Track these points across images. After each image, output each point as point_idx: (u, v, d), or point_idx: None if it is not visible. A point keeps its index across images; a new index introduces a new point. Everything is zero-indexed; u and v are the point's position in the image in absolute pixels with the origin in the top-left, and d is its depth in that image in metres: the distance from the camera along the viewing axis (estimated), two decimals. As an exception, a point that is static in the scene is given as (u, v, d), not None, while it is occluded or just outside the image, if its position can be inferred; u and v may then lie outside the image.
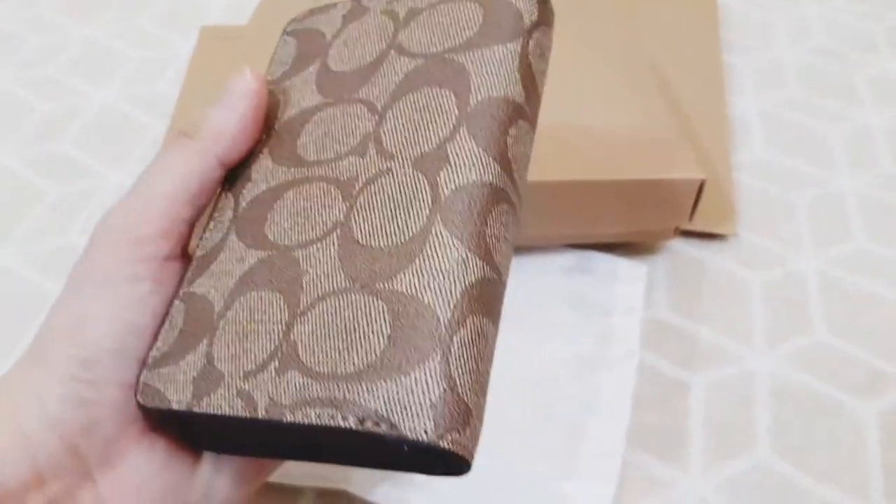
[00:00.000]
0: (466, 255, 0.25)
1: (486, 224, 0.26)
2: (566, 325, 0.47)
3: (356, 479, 0.40)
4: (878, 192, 0.55)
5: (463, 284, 0.25)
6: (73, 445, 0.24)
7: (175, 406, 0.25)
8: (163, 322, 0.27)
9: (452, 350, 0.24)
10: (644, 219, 0.47)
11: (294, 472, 0.39)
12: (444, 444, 0.22)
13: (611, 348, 0.45)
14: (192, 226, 0.28)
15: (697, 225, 0.50)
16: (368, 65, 0.31)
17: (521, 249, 0.50)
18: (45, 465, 0.24)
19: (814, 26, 0.70)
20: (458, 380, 0.23)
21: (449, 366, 0.23)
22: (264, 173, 0.30)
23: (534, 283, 0.49)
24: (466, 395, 0.23)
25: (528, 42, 0.30)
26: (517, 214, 0.28)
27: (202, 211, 0.28)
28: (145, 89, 0.63)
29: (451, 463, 0.23)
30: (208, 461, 0.28)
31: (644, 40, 0.64)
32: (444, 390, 0.23)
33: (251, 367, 0.25)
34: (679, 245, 0.51)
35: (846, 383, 0.44)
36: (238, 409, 0.24)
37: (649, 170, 0.45)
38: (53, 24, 0.70)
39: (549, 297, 0.48)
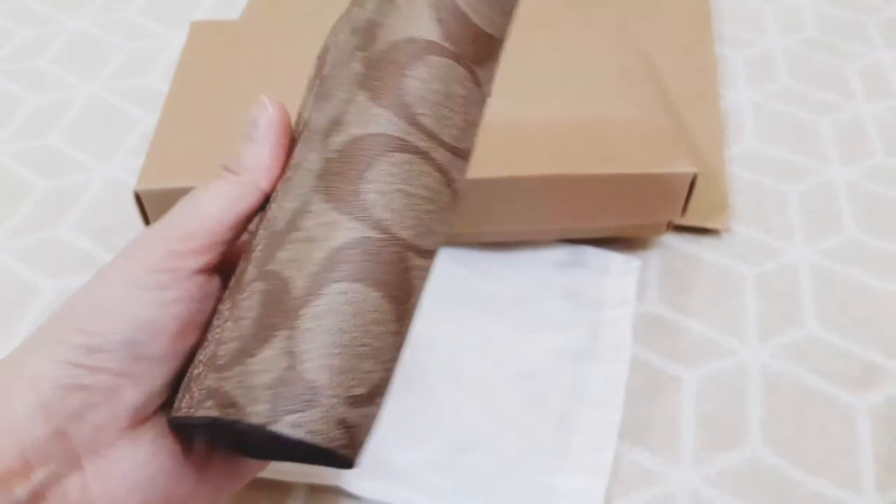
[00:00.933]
0: (335, 217, 0.24)
1: (365, 179, 0.24)
2: (559, 319, 0.47)
3: (347, 474, 0.39)
4: (870, 183, 0.55)
5: (325, 250, 0.23)
6: (62, 430, 0.25)
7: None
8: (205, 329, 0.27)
9: (298, 324, 0.22)
10: (637, 213, 0.47)
11: (285, 469, 0.39)
12: (279, 427, 0.21)
13: (603, 342, 0.45)
14: (228, 247, 0.29)
15: (690, 219, 0.50)
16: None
17: (514, 244, 0.50)
18: (32, 451, 0.24)
19: (806, 18, 0.70)
20: (300, 356, 0.22)
21: (293, 341, 0.22)
22: None
23: (527, 277, 0.49)
24: (312, 371, 0.22)
25: None
26: (431, 158, 0.25)
27: (239, 236, 0.29)
28: (134, 82, 0.63)
29: (317, 449, 0.22)
30: (198, 456, 0.28)
31: (637, 33, 0.64)
32: (284, 368, 0.22)
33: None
34: (671, 239, 0.51)
35: (838, 376, 0.44)
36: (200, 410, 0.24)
37: (642, 164, 0.45)
38: (41, 17, 0.70)
39: (542, 291, 0.48)
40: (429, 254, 0.25)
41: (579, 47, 0.53)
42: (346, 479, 0.39)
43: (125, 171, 0.56)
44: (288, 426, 0.22)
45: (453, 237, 0.49)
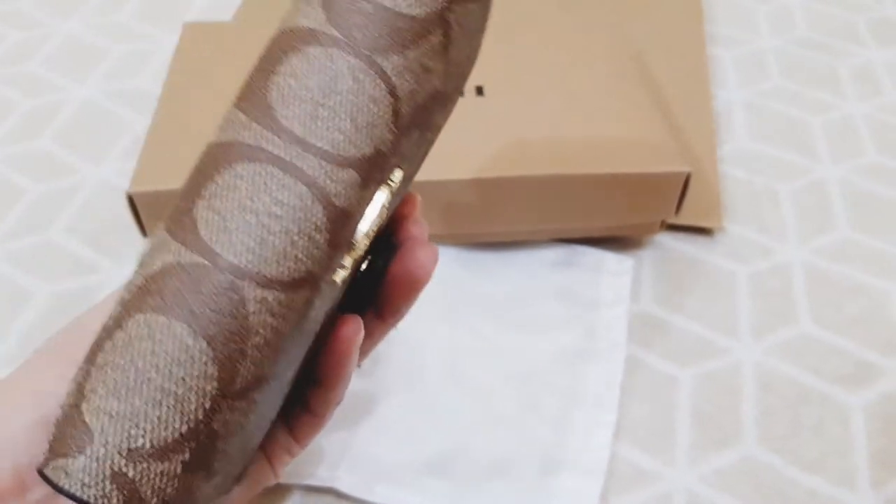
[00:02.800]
0: (164, 239, 0.21)
1: (200, 195, 0.21)
2: (554, 319, 0.47)
3: (343, 476, 0.39)
4: (862, 181, 0.55)
5: (142, 277, 0.20)
6: None
7: None
8: None
9: (96, 358, 0.20)
10: (631, 212, 0.47)
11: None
12: (47, 471, 0.19)
13: (598, 341, 0.45)
14: None
15: (684, 219, 0.50)
16: None
17: (509, 243, 0.50)
18: (28, 470, 0.24)
19: (797, 18, 0.70)
20: (87, 395, 0.19)
21: (86, 376, 0.20)
22: None
23: (522, 276, 0.49)
24: (89, 413, 0.19)
25: None
26: (295, 168, 0.21)
27: None
28: (127, 84, 0.63)
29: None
30: None
31: (630, 33, 0.64)
32: (70, 406, 0.20)
33: None
34: (665, 239, 0.51)
35: (832, 374, 0.45)
36: None
37: (635, 163, 0.45)
38: (33, 20, 0.69)
39: (537, 291, 0.48)
40: (282, 284, 0.20)
41: (573, 48, 0.53)
42: (342, 481, 0.39)
43: (118, 174, 0.55)
44: (52, 470, 0.19)
45: (449, 237, 0.49)
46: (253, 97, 0.22)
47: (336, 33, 0.22)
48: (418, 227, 0.30)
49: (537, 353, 0.45)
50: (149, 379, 0.19)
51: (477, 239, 0.49)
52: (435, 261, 0.29)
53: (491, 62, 0.52)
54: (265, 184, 0.20)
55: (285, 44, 0.22)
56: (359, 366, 0.33)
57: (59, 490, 0.19)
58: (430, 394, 0.43)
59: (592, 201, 0.46)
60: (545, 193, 0.46)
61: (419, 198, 0.31)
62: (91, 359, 0.20)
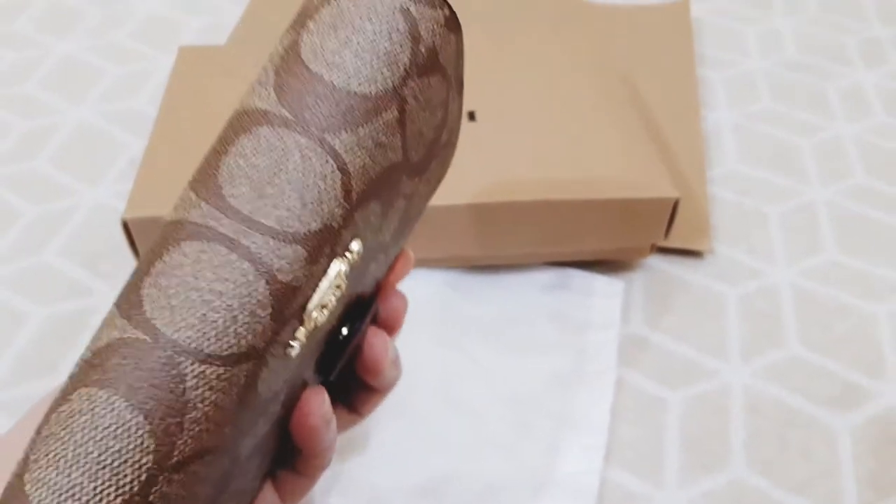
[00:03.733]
0: (113, 315, 0.21)
1: (148, 273, 0.21)
2: (545, 341, 0.47)
3: (335, 502, 0.40)
4: (850, 203, 0.56)
5: (90, 351, 0.21)
6: None
7: None
8: None
9: (42, 429, 0.20)
10: (620, 237, 0.47)
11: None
12: None
13: (588, 364, 0.46)
14: None
15: (673, 242, 0.51)
16: None
17: (501, 267, 0.51)
18: None
19: (786, 39, 0.71)
20: (30, 466, 0.20)
21: (32, 447, 0.20)
22: None
23: (513, 299, 0.49)
24: (29, 483, 0.20)
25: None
26: (240, 246, 0.22)
27: None
28: (123, 106, 0.63)
29: None
30: None
31: (619, 55, 0.65)
32: (15, 475, 0.20)
33: None
34: (655, 261, 0.52)
35: (819, 396, 0.45)
36: None
37: (625, 189, 0.46)
38: (29, 41, 0.70)
39: (528, 314, 0.48)
40: (222, 360, 0.21)
41: (563, 72, 0.54)
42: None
43: (113, 196, 0.56)
44: None
45: (440, 261, 0.49)
46: (205, 177, 0.22)
47: (286, 114, 0.22)
48: (394, 300, 0.32)
49: (528, 376, 0.45)
50: (86, 451, 0.19)
51: (468, 263, 0.50)
52: (385, 348, 0.30)
53: (482, 87, 0.52)
54: (209, 261, 0.21)
55: (238, 125, 0.23)
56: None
57: None
58: (421, 417, 0.43)
59: (582, 226, 0.47)
60: (536, 218, 0.46)
61: (411, 260, 0.32)
62: (39, 430, 0.20)
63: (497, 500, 0.40)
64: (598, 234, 0.47)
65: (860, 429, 0.44)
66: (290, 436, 0.29)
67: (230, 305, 0.21)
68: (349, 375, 0.32)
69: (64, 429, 0.20)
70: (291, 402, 0.27)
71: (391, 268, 0.32)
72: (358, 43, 0.23)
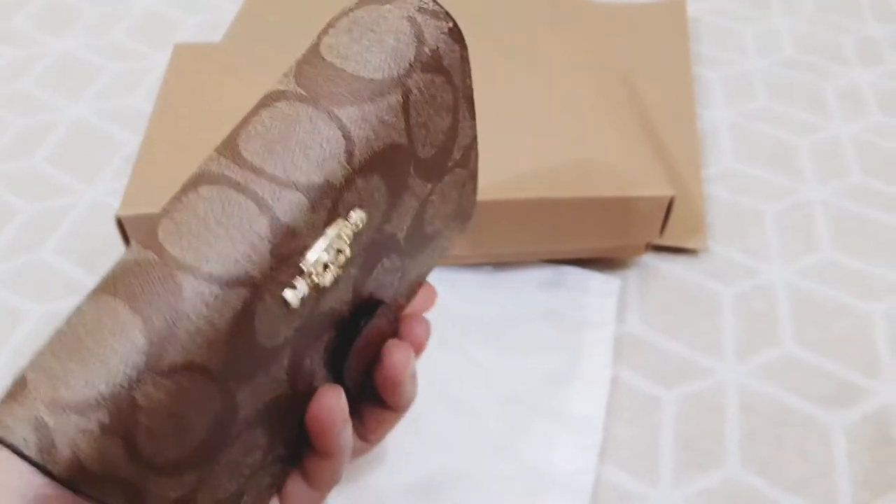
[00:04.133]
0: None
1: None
2: (542, 340, 0.47)
3: (332, 502, 0.40)
4: (847, 203, 0.56)
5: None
6: None
7: None
8: None
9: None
10: (616, 234, 0.47)
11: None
12: None
13: (584, 363, 0.46)
14: None
15: (668, 240, 0.51)
16: None
17: (497, 265, 0.51)
18: None
19: (783, 38, 0.71)
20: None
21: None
22: None
23: (510, 298, 0.49)
24: (27, 368, 0.21)
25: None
26: (249, 190, 0.24)
27: None
28: (119, 103, 0.63)
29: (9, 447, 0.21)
30: None
31: (615, 53, 0.65)
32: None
33: None
34: (650, 259, 0.52)
35: (815, 395, 0.45)
36: None
37: (620, 187, 0.46)
38: (26, 38, 0.70)
39: (524, 312, 0.48)
40: (219, 281, 0.22)
41: (560, 71, 0.54)
42: None
43: (110, 194, 0.56)
44: None
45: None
46: (227, 140, 0.25)
47: (301, 92, 0.26)
48: (416, 325, 0.33)
49: (525, 375, 0.45)
50: (85, 345, 0.21)
51: (464, 261, 0.50)
52: (407, 360, 0.32)
53: (478, 85, 0.52)
54: (220, 200, 0.23)
55: (260, 103, 0.26)
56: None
57: None
58: (418, 417, 0.43)
59: (578, 223, 0.47)
60: (532, 216, 0.46)
61: (434, 293, 0.34)
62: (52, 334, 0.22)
63: (494, 499, 0.40)
64: (593, 231, 0.47)
65: (855, 428, 0.44)
66: (302, 439, 0.30)
67: (232, 235, 0.23)
68: (363, 396, 0.33)
69: (70, 327, 0.22)
70: (300, 386, 0.28)
71: (413, 293, 0.35)
72: (368, 40, 0.27)
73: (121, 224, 0.44)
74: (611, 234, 0.47)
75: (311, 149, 0.25)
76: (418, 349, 0.33)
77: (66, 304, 0.49)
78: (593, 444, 0.42)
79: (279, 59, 0.52)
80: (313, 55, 0.27)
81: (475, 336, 0.47)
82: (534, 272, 0.50)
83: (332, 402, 0.29)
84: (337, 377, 0.30)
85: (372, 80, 0.26)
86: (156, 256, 0.22)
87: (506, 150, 0.48)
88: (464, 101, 0.30)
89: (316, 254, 0.25)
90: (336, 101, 0.26)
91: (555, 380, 0.45)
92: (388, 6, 0.28)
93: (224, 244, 0.23)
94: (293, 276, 0.24)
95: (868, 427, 0.44)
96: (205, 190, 0.24)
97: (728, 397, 0.45)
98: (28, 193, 0.56)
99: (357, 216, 0.26)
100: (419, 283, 0.35)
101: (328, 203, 0.25)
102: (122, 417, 0.21)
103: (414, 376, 0.33)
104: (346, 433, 0.30)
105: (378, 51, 0.27)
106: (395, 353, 0.31)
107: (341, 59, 0.27)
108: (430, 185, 0.30)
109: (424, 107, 0.28)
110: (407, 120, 0.27)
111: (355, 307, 0.29)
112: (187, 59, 0.55)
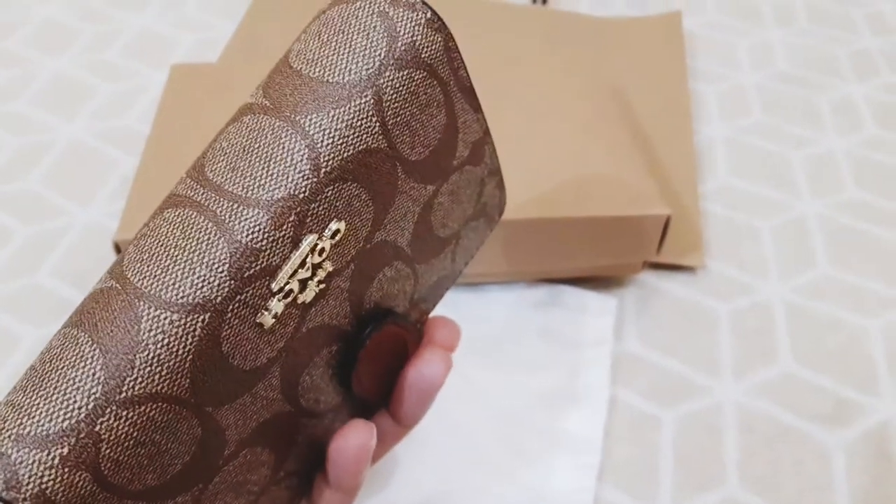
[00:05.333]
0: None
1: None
2: (538, 360, 0.47)
3: None
4: (842, 217, 0.56)
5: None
6: None
7: None
8: None
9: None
10: (612, 253, 0.48)
11: None
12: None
13: (582, 382, 0.46)
14: None
15: (665, 257, 0.51)
16: None
17: (493, 284, 0.51)
18: None
19: (777, 52, 0.71)
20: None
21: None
22: None
23: (505, 317, 0.49)
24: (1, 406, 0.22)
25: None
26: (207, 211, 0.24)
27: None
28: (115, 123, 0.63)
29: None
30: None
31: (610, 69, 0.65)
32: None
33: None
34: (647, 277, 0.52)
35: (812, 412, 0.45)
36: None
37: (616, 206, 0.46)
38: (20, 58, 0.70)
39: (521, 331, 0.48)
40: (177, 307, 0.23)
41: (554, 87, 0.54)
42: None
43: (106, 216, 0.56)
44: None
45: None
46: (196, 161, 0.25)
47: (266, 103, 0.25)
48: (442, 328, 0.32)
49: (521, 395, 0.45)
50: (50, 379, 0.22)
51: (460, 281, 0.50)
52: (446, 368, 0.31)
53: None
54: (181, 224, 0.23)
55: (231, 119, 0.25)
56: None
57: None
58: (413, 437, 0.43)
59: (574, 243, 0.47)
60: (528, 236, 0.46)
61: (455, 331, 0.33)
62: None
63: (490, 520, 0.40)
64: (589, 251, 0.47)
65: (853, 445, 0.44)
66: (313, 460, 0.30)
67: (191, 259, 0.23)
68: (371, 411, 0.33)
69: (39, 359, 0.22)
70: (304, 404, 0.27)
71: (439, 297, 0.33)
72: (336, 42, 0.26)
73: (118, 249, 0.44)
74: (607, 253, 0.47)
75: (273, 162, 0.24)
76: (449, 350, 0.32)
77: (62, 328, 0.49)
78: (592, 464, 0.42)
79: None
80: (282, 63, 0.26)
81: (472, 356, 0.47)
82: (530, 291, 0.50)
83: (362, 442, 0.28)
84: (346, 390, 0.30)
85: (338, 83, 0.25)
86: (118, 285, 0.23)
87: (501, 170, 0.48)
88: (459, 93, 0.29)
89: (289, 272, 0.24)
90: (300, 110, 0.25)
91: (552, 400, 0.45)
92: (358, 3, 0.26)
93: (183, 269, 0.23)
94: (265, 297, 0.24)
95: (866, 444, 0.44)
96: (169, 213, 0.24)
97: (726, 416, 0.45)
98: (24, 215, 0.56)
99: (335, 227, 0.25)
100: (445, 287, 0.34)
101: (293, 218, 0.24)
102: (84, 449, 0.21)
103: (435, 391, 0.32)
104: (367, 471, 0.29)
105: (346, 52, 0.26)
106: (433, 360, 0.30)
107: (308, 64, 0.26)
108: (431, 187, 0.29)
109: (404, 105, 0.27)
110: (382, 121, 0.26)
111: (359, 319, 0.28)
112: (184, 79, 0.55)
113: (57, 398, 0.21)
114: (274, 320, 0.24)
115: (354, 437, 0.28)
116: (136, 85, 0.67)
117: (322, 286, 0.25)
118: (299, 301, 0.25)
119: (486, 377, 0.46)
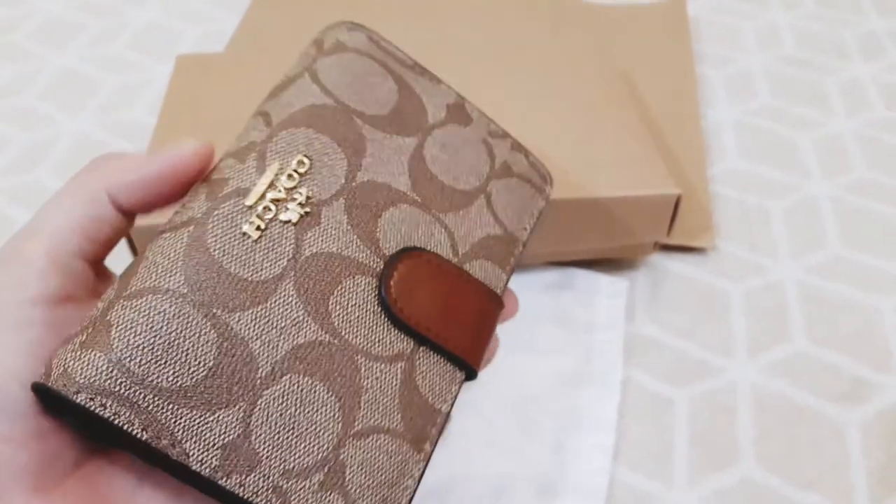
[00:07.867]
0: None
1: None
2: (551, 343, 0.47)
3: None
4: (852, 197, 0.56)
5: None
6: None
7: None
8: None
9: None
10: (623, 235, 0.47)
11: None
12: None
13: (595, 364, 0.46)
14: (91, 261, 0.27)
15: (676, 239, 0.51)
16: None
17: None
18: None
19: (784, 34, 0.71)
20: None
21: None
22: None
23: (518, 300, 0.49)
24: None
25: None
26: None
27: (101, 245, 0.27)
28: (121, 116, 0.63)
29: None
30: None
31: (617, 54, 0.65)
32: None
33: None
34: (658, 259, 0.52)
35: (827, 391, 0.45)
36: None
37: (626, 186, 0.46)
38: (27, 52, 0.70)
39: (533, 315, 0.48)
40: (168, 227, 0.27)
41: (562, 71, 0.54)
42: None
43: (114, 207, 0.56)
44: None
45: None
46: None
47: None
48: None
49: (535, 377, 0.45)
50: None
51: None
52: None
53: (480, 87, 0.52)
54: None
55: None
56: None
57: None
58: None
59: (585, 224, 0.47)
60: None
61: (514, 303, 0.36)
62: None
63: (506, 501, 0.40)
64: (600, 232, 0.47)
65: (869, 423, 0.44)
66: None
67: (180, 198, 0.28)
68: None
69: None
70: (348, 337, 0.28)
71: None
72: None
73: (128, 236, 0.44)
74: (618, 235, 0.47)
75: (244, 134, 0.30)
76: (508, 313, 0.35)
77: (74, 318, 0.49)
78: (607, 445, 0.42)
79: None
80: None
81: (485, 340, 0.47)
82: (542, 275, 0.50)
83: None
84: (397, 328, 0.30)
85: (287, 77, 0.32)
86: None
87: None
88: (402, 67, 0.34)
89: (259, 191, 0.27)
90: (278, 113, 0.31)
91: (566, 382, 0.45)
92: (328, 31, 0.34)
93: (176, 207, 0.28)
94: (243, 212, 0.27)
95: (881, 422, 0.44)
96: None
97: (740, 396, 0.45)
98: (31, 208, 0.56)
99: (297, 159, 0.29)
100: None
101: (254, 154, 0.28)
102: (98, 333, 0.24)
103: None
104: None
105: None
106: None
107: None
108: (411, 139, 0.32)
109: (344, 74, 0.32)
110: (323, 87, 0.31)
111: (384, 259, 0.30)
112: (190, 69, 0.55)
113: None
114: (259, 232, 0.27)
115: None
116: (142, 78, 0.67)
117: (306, 210, 0.28)
118: (283, 218, 0.27)
119: (500, 360, 0.46)
